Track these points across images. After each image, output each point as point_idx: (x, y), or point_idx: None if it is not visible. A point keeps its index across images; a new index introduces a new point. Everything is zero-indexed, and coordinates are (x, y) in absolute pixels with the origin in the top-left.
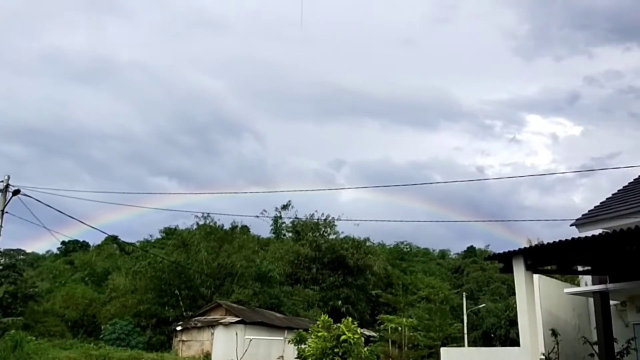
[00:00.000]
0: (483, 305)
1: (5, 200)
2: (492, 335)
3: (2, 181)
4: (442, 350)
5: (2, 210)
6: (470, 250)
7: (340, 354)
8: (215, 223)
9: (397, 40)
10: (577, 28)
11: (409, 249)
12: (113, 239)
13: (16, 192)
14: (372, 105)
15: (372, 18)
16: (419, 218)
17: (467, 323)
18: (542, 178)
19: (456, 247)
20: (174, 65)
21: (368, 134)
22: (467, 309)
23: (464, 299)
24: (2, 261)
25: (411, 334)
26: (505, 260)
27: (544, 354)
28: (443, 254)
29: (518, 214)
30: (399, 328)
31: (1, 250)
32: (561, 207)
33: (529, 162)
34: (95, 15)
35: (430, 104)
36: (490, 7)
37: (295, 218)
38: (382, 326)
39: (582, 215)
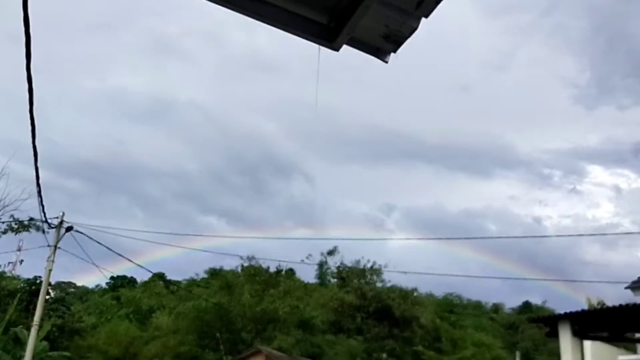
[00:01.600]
0: None
1: (59, 236)
2: None
3: (56, 218)
4: None
5: (55, 246)
6: (526, 305)
7: None
8: (260, 265)
9: (453, 87)
10: None
11: (458, 301)
12: (159, 276)
13: (69, 229)
14: (426, 150)
15: (428, 64)
16: (471, 268)
17: None
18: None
19: (511, 302)
20: (229, 106)
21: (420, 179)
22: None
23: (518, 359)
24: (53, 294)
25: None
26: (551, 324)
27: None
28: (496, 308)
29: (578, 269)
30: None
31: (52, 283)
32: (625, 264)
33: (590, 214)
34: (156, 57)
35: (485, 151)
36: (548, 55)
37: (341, 264)
38: None
39: (639, 277)
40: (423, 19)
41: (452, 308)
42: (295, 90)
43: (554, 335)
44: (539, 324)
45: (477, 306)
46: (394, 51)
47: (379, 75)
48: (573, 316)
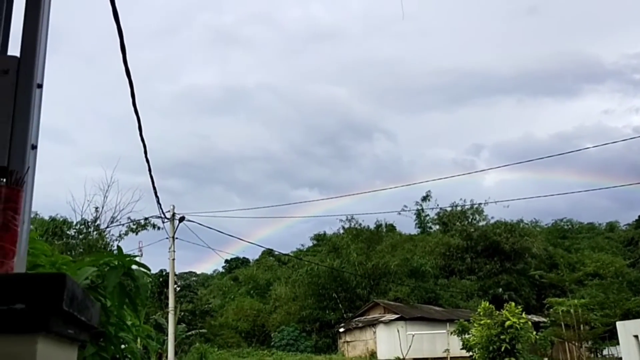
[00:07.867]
0: None
1: (174, 227)
2: None
3: (169, 211)
4: (618, 324)
5: (173, 237)
6: None
7: (507, 340)
8: (360, 225)
9: (519, 11)
10: None
11: (569, 226)
12: (269, 252)
13: (182, 219)
14: (502, 82)
15: None
16: (576, 190)
17: None
18: None
19: (625, 218)
20: (299, 80)
21: (504, 113)
22: None
23: None
24: (179, 283)
25: (585, 315)
26: None
27: None
28: (611, 226)
29: None
30: (571, 310)
31: (177, 273)
32: None
33: None
34: (219, 49)
35: (567, 69)
36: None
37: (440, 209)
38: (551, 310)
39: None
40: None
41: (564, 234)
42: (358, 51)
43: None
44: None
45: (591, 228)
46: None
47: (439, 18)
48: None
